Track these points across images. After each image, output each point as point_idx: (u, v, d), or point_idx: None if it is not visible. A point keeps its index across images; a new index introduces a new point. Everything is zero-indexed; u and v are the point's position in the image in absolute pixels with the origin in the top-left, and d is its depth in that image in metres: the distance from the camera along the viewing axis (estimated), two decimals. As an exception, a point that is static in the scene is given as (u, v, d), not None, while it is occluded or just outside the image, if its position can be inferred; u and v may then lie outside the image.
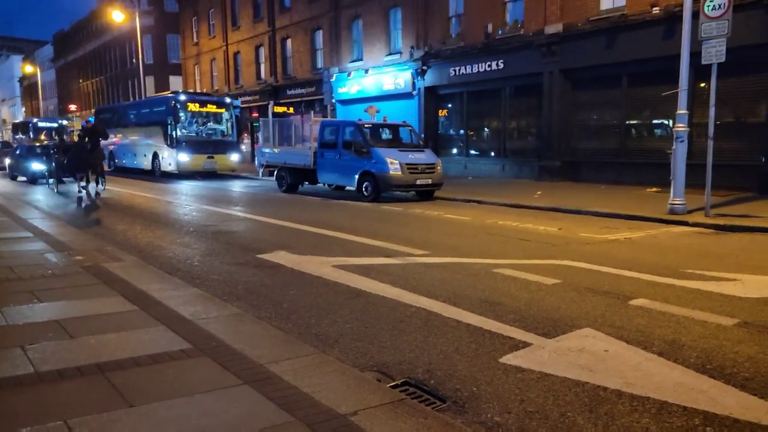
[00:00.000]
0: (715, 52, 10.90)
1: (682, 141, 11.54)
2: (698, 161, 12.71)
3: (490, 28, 21.51)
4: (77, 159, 18.13)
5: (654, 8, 16.38)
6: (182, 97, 26.23)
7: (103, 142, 19.55)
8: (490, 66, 21.60)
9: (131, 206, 15.30)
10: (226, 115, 26.91)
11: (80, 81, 70.92)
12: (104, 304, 5.31)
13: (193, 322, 4.75)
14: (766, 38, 14.17)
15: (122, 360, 3.90)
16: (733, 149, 15.24)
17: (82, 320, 4.81)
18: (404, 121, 18.56)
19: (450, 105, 24.81)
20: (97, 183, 18.11)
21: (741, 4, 13.61)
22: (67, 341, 4.29)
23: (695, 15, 11.30)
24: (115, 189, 19.39)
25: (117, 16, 38.68)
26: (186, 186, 22.21)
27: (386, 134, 17.32)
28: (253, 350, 4.09)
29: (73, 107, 66.56)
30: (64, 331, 4.50)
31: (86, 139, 17.79)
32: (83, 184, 17.74)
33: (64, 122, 44.66)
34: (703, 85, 14.23)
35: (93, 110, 44.85)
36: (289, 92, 33.42)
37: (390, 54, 26.55)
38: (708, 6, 10.90)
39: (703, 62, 11.07)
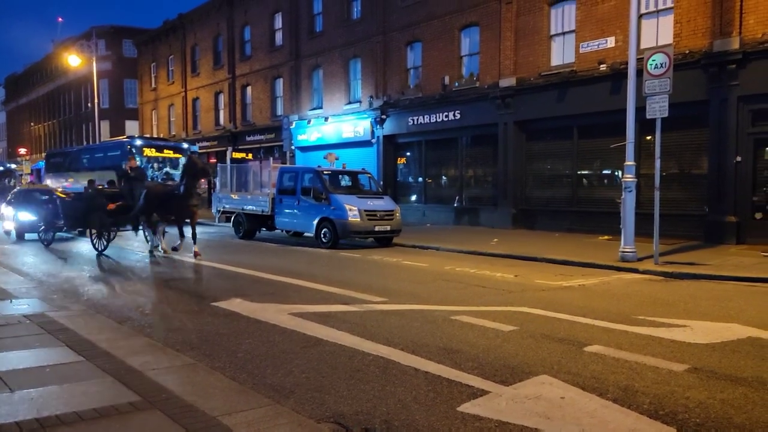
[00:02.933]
0: (658, 108, 11.46)
1: (630, 191, 11.96)
2: (646, 210, 13.16)
3: (447, 80, 22.14)
4: (166, 206, 13.53)
5: (601, 65, 17.19)
6: (138, 142, 25.93)
7: (53, 186, 18.61)
8: (447, 116, 22.14)
9: (79, 253, 14.85)
10: (182, 160, 26.67)
11: (32, 124, 69.46)
12: (48, 355, 5.09)
13: (142, 373, 4.58)
14: (705, 95, 14.99)
15: (65, 414, 3.72)
16: (679, 199, 15.85)
17: (24, 372, 4.59)
18: (363, 168, 18.73)
19: (408, 153, 25.20)
20: (181, 234, 13.45)
21: (681, 63, 14.41)
22: (6, 394, 4.07)
23: (639, 72, 11.92)
24: (61, 235, 18.79)
25: (73, 61, 38.34)
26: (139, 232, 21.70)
27: (345, 181, 17.42)
28: (205, 402, 3.96)
29: (22, 151, 64.90)
30: (2, 383, 4.28)
31: (182, 178, 13.57)
32: (153, 240, 14.28)
33: (12, 166, 43.45)
34: (649, 137, 14.87)
35: (44, 154, 43.83)
36: (248, 138, 33.44)
37: (350, 103, 26.96)
38: (651, 64, 11.51)
39: (648, 117, 11.62)
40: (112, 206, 14.28)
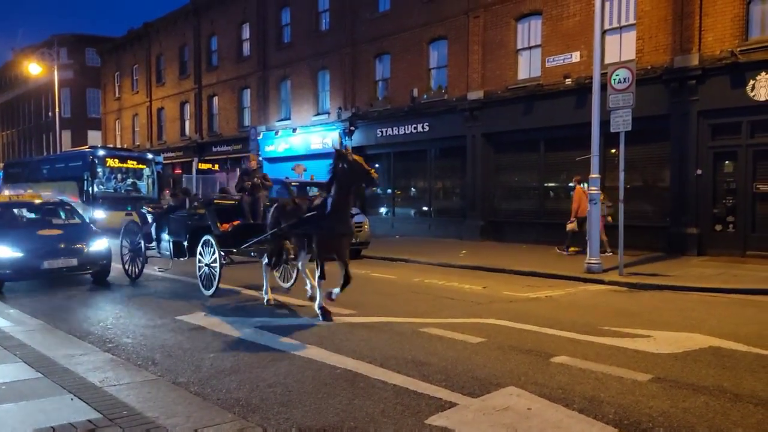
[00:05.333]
0: (622, 122, 11.70)
1: (595, 203, 12.17)
2: (612, 222, 13.39)
3: (415, 92, 22.27)
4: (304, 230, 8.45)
5: (567, 79, 17.50)
6: (101, 152, 25.38)
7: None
8: (416, 128, 22.24)
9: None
10: (147, 171, 26.19)
11: (-11, 133, 67.60)
12: (4, 371, 4.90)
13: (103, 389, 4.45)
14: (667, 110, 15.38)
15: (20, 434, 3.58)
16: (642, 211, 16.16)
17: (-23, 390, 4.41)
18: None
19: (377, 165, 25.21)
20: (321, 274, 8.13)
21: (643, 78, 14.76)
22: (-43, 414, 3.91)
23: (604, 87, 12.16)
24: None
25: (34, 69, 37.47)
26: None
27: (313, 192, 17.33)
28: (167, 418, 3.86)
29: (-20, 160, 63.16)
30: (-46, 402, 4.11)
31: (328, 186, 8.17)
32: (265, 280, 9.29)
33: None
34: (613, 151, 15.15)
35: (1, 164, 42.69)
36: (214, 149, 33.07)
37: (318, 114, 26.90)
38: (614, 79, 11.77)
39: (612, 130, 11.86)
40: (226, 227, 9.85)
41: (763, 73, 13.63)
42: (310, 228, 8.08)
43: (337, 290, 7.98)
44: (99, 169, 24.79)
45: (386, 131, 23.43)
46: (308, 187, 17.39)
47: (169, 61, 37.09)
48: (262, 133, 28.34)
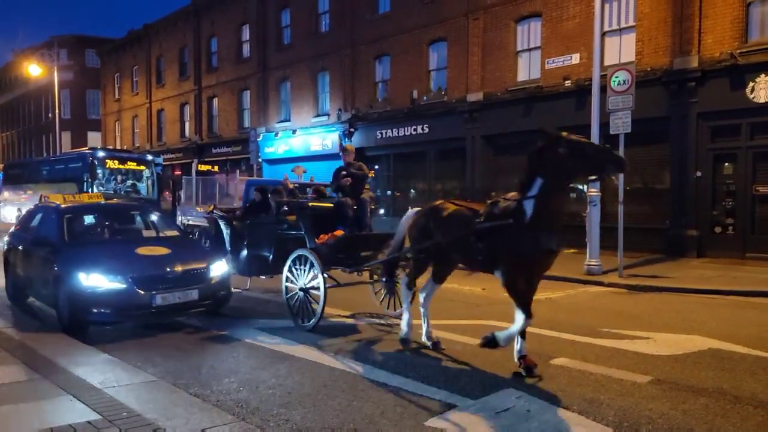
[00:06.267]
0: (621, 123, 11.72)
1: (595, 205, 12.17)
2: (611, 224, 13.38)
3: (415, 94, 22.28)
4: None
5: (566, 81, 17.51)
6: (100, 153, 25.36)
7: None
8: (415, 130, 22.25)
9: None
10: (146, 172, 26.17)
11: (-11, 135, 67.62)
12: (2, 373, 4.90)
13: (102, 391, 4.45)
14: (666, 112, 15.38)
15: (19, 435, 3.58)
16: (642, 213, 16.15)
17: (-24, 391, 4.40)
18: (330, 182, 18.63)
19: (377, 166, 25.22)
20: (528, 313, 5.52)
21: (643, 80, 14.76)
22: (-43, 416, 3.90)
23: (603, 89, 12.18)
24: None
25: (34, 70, 37.48)
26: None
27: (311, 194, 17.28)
28: (167, 420, 3.85)
29: (-21, 162, 63.16)
30: (-47, 404, 4.10)
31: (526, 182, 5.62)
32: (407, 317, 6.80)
33: None
34: (612, 152, 15.17)
35: (1, 165, 42.65)
36: (214, 150, 33.06)
37: (318, 115, 26.90)
38: (614, 81, 11.78)
39: (612, 132, 11.87)
40: (324, 239, 7.56)
41: (763, 75, 13.63)
42: (499, 243, 5.54)
43: (513, 331, 5.44)
44: (98, 171, 24.77)
45: (386, 133, 23.43)
46: (307, 189, 17.36)
47: (168, 63, 37.09)
48: (261, 135, 28.34)
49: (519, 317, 5.37)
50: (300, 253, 7.44)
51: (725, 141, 14.77)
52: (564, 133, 5.47)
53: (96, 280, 6.69)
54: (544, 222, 5.33)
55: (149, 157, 27.33)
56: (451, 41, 21.15)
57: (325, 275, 7.16)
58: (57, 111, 38.63)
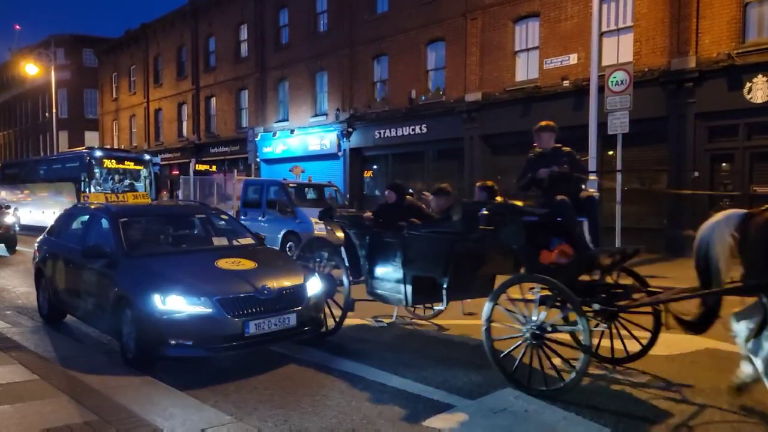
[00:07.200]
0: (619, 123, 11.74)
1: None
2: (609, 224, 13.39)
3: (413, 94, 22.28)
4: None
5: (564, 81, 17.53)
6: (98, 153, 25.32)
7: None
8: (413, 130, 22.24)
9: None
10: (144, 172, 26.13)
11: (-14, 134, 67.48)
12: (0, 373, 4.89)
13: (100, 391, 4.44)
14: (664, 112, 15.40)
15: (16, 436, 3.56)
16: (639, 213, 16.18)
17: (-27, 392, 4.39)
18: (329, 182, 18.65)
19: (375, 166, 25.23)
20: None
21: (641, 80, 14.78)
22: (-46, 416, 3.89)
23: (601, 89, 12.19)
24: (21, 249, 18.21)
25: (31, 69, 37.42)
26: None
27: (311, 194, 17.30)
28: (165, 420, 3.85)
29: (-24, 161, 63.02)
30: (-50, 404, 4.09)
31: None
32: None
33: None
34: (611, 153, 15.17)
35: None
36: (212, 150, 33.03)
37: (316, 115, 26.89)
38: (612, 81, 11.80)
39: (609, 132, 11.88)
40: (551, 257, 5.32)
41: (760, 76, 13.65)
42: None
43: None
44: (96, 170, 24.73)
45: (384, 133, 23.43)
46: (306, 189, 17.37)
47: (166, 62, 37.05)
48: (259, 135, 28.32)
49: None
50: (525, 279, 5.26)
51: (723, 141, 14.79)
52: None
53: (175, 304, 5.29)
54: None
55: (147, 157, 27.29)
56: (449, 41, 21.16)
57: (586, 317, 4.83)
58: (54, 110, 38.58)
